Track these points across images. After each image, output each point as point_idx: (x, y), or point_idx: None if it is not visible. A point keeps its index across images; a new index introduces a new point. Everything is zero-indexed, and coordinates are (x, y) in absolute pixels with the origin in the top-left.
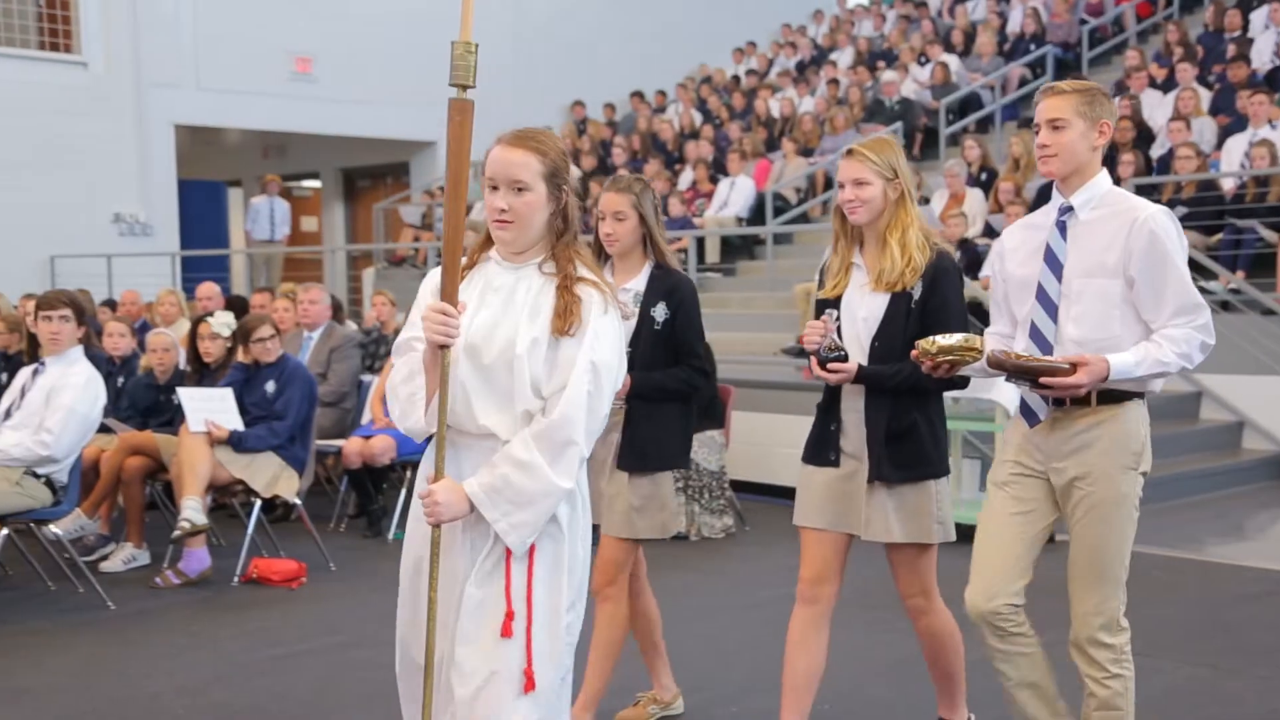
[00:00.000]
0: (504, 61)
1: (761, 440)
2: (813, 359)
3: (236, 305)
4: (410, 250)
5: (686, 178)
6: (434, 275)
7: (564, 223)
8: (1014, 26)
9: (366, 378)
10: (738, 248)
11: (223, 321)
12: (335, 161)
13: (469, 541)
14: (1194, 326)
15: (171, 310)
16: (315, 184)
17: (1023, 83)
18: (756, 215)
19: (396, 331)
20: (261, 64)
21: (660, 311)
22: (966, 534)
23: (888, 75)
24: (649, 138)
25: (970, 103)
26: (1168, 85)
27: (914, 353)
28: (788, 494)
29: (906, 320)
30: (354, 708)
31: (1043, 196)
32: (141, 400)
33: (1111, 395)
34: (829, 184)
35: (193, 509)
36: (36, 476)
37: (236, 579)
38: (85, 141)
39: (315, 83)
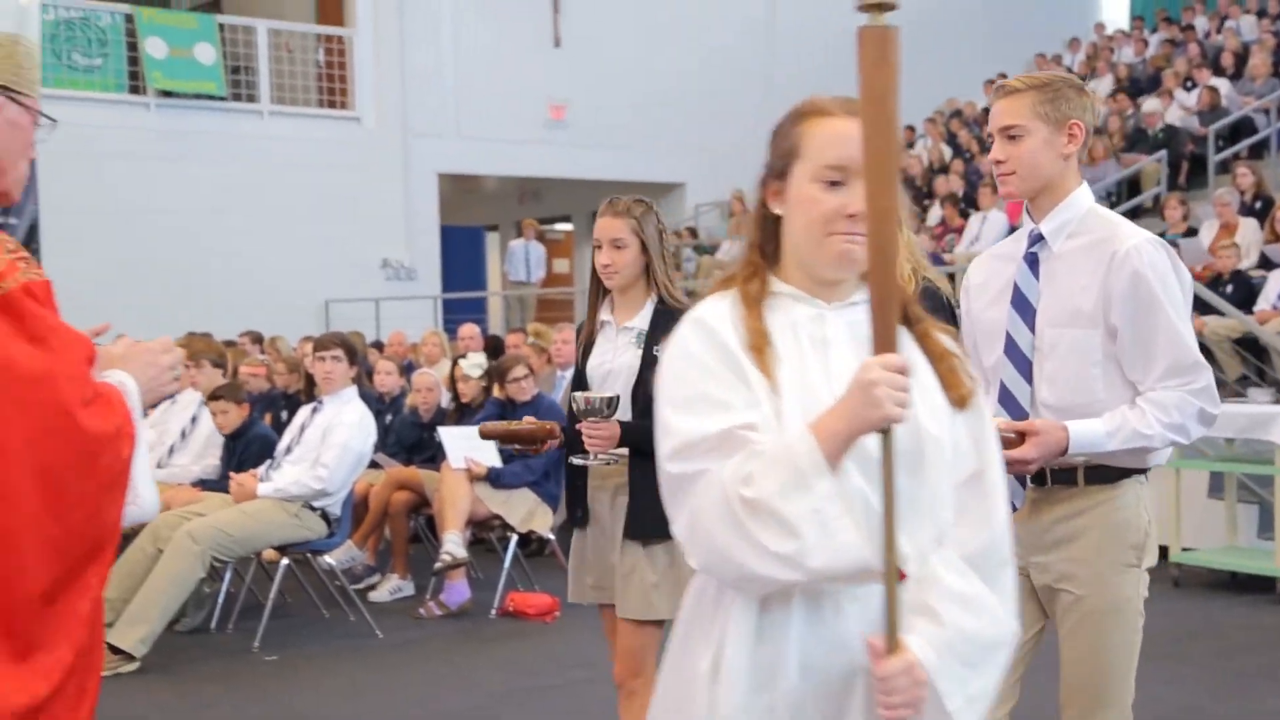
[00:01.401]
0: (754, 102)
1: None
2: None
3: (493, 345)
4: None
5: (935, 214)
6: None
7: None
8: None
9: None
10: None
11: (473, 363)
12: (587, 205)
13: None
14: (1190, 390)
15: (435, 351)
16: (567, 227)
17: None
18: None
19: None
20: (518, 113)
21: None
22: (1256, 584)
23: (1150, 104)
24: None
25: (1242, 128)
26: None
27: None
28: None
29: None
30: None
31: None
32: (407, 437)
33: (1103, 472)
34: None
35: (454, 543)
36: (312, 509)
37: (494, 612)
38: (356, 192)
39: (568, 129)
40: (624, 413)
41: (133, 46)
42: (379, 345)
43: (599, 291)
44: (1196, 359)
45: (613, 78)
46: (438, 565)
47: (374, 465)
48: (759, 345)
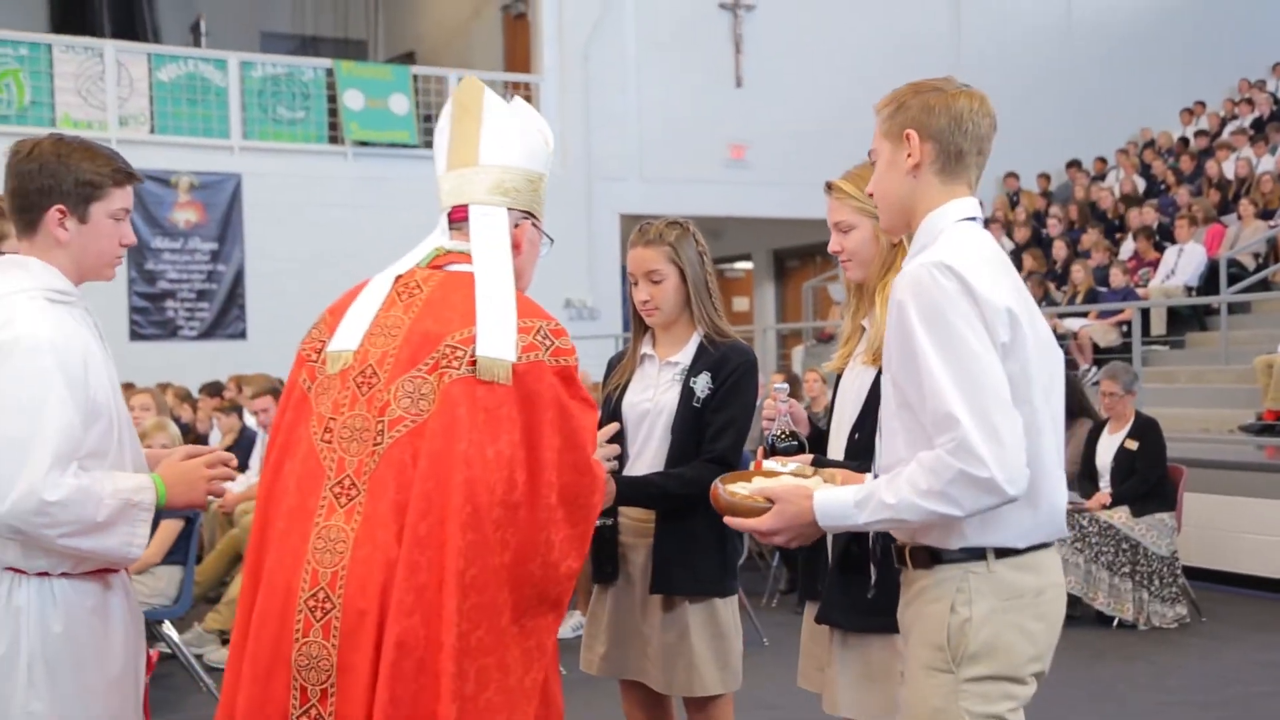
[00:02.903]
0: None
1: (1218, 524)
2: (760, 449)
3: None
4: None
5: (1128, 247)
6: None
7: None
8: None
9: None
10: (1186, 319)
11: None
12: (766, 243)
13: None
14: (947, 449)
15: None
16: (747, 265)
17: None
18: (1208, 284)
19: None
20: (699, 153)
21: (702, 384)
22: None
23: None
24: (1087, 206)
25: None
26: None
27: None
28: (1249, 583)
29: None
30: None
31: None
32: None
33: (920, 554)
34: None
35: None
36: None
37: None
38: None
39: (749, 168)
40: (658, 457)
41: (332, 99)
42: None
43: (640, 325)
44: (949, 410)
45: (793, 116)
46: None
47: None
48: None
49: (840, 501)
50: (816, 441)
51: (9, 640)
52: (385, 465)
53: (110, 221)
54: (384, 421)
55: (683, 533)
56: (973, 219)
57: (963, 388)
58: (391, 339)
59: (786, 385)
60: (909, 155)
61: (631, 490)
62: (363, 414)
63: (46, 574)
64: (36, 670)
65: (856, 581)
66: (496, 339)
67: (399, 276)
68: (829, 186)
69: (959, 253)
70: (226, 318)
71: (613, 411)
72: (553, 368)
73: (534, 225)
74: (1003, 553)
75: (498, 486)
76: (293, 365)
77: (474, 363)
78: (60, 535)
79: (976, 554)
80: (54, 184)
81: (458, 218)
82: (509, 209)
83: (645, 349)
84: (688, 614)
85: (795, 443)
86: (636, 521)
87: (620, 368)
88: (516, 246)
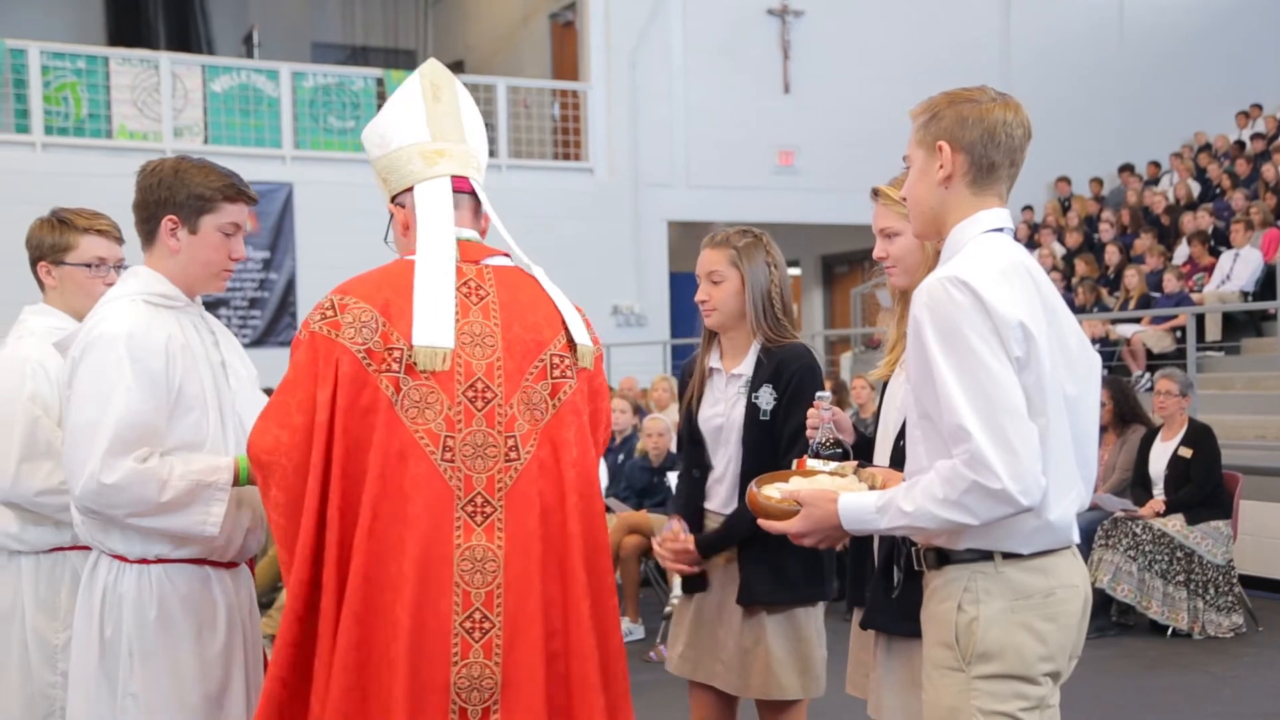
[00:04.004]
0: None
1: (1275, 532)
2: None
3: None
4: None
5: (1182, 252)
6: None
7: None
8: None
9: None
10: (1242, 324)
11: (672, 421)
12: (815, 249)
13: None
14: (961, 460)
15: (664, 396)
16: (795, 271)
17: None
18: (1264, 289)
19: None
20: (747, 160)
21: (765, 397)
22: None
23: None
24: (1140, 211)
25: None
26: None
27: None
28: None
29: None
30: None
31: None
32: (637, 481)
33: (932, 555)
34: None
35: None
36: None
37: None
38: (588, 241)
39: (797, 174)
40: (734, 470)
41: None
42: (609, 391)
43: (708, 336)
44: (960, 422)
45: (841, 121)
46: (667, 610)
47: (605, 509)
48: None
49: (863, 506)
50: (863, 449)
51: (113, 625)
52: (525, 481)
53: (219, 235)
54: (514, 437)
55: (768, 541)
56: (1000, 230)
57: (975, 400)
58: (488, 348)
59: (829, 394)
60: (941, 167)
61: (711, 549)
62: (484, 429)
63: (145, 561)
64: (134, 654)
65: (900, 587)
66: (580, 327)
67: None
68: (875, 192)
69: (976, 266)
70: (278, 325)
71: (691, 427)
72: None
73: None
74: (1009, 556)
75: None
76: (346, 366)
77: (580, 370)
78: (125, 515)
79: (984, 555)
80: (169, 196)
81: (461, 188)
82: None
83: (712, 362)
84: (765, 618)
85: (839, 450)
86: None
87: (692, 381)
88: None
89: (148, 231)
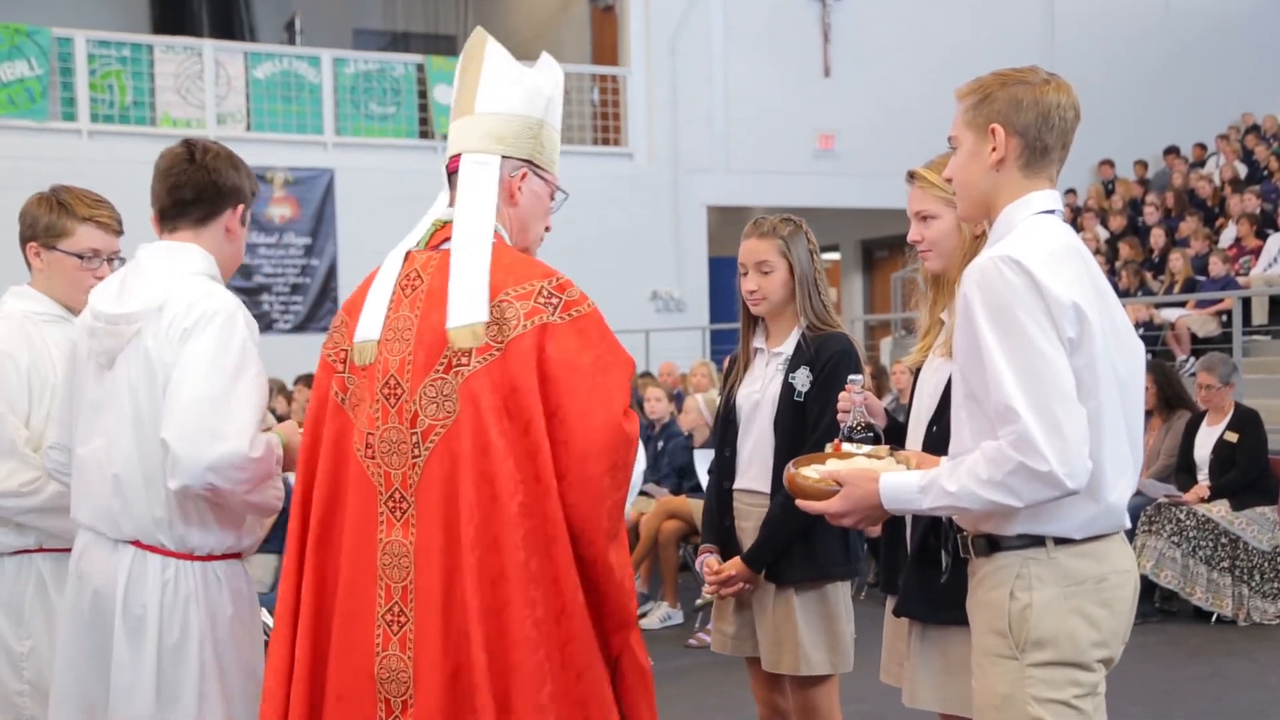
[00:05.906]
0: None
1: None
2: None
3: None
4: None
5: (1229, 234)
6: None
7: None
8: None
9: None
10: None
11: (706, 400)
12: (855, 233)
13: None
14: (1008, 442)
15: (703, 381)
16: (835, 256)
17: None
18: None
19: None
20: (787, 144)
21: (801, 378)
22: None
23: None
24: (1185, 194)
25: None
26: None
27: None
28: None
29: None
30: None
31: None
32: (679, 460)
33: (980, 541)
34: None
35: None
36: None
37: None
38: (628, 226)
39: (837, 158)
40: (761, 445)
41: (423, 94)
42: (648, 376)
43: (749, 318)
44: (1008, 403)
45: (882, 106)
46: (699, 601)
47: (644, 494)
48: None
49: (905, 485)
50: (895, 434)
51: (179, 628)
52: (427, 477)
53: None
54: (417, 433)
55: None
56: (1051, 211)
57: (1024, 382)
58: (405, 343)
59: (860, 377)
60: (994, 149)
61: (759, 562)
62: (395, 426)
63: (211, 557)
64: (207, 654)
65: (934, 574)
66: (463, 304)
67: (403, 265)
68: (911, 175)
69: (1029, 247)
70: (320, 311)
71: (727, 406)
72: (565, 324)
73: (538, 175)
74: (1061, 541)
75: (529, 474)
76: (317, 371)
77: (483, 353)
78: (248, 490)
79: (1035, 541)
80: (240, 184)
81: (454, 169)
82: (506, 156)
83: (757, 343)
84: (794, 595)
85: (871, 434)
86: (749, 506)
87: (737, 365)
88: (511, 196)
89: (207, 214)
